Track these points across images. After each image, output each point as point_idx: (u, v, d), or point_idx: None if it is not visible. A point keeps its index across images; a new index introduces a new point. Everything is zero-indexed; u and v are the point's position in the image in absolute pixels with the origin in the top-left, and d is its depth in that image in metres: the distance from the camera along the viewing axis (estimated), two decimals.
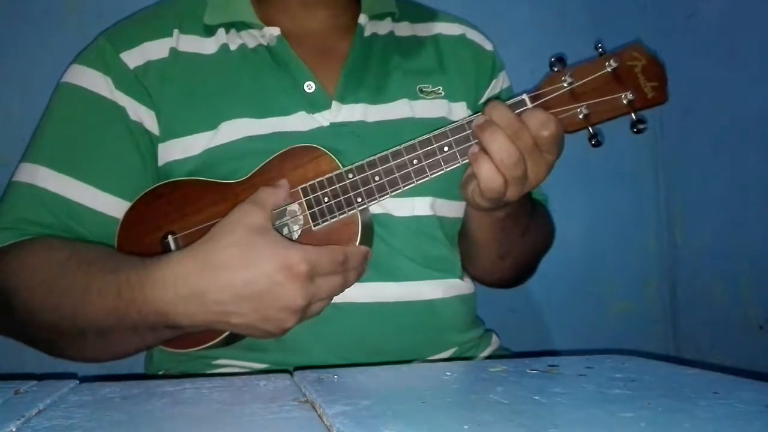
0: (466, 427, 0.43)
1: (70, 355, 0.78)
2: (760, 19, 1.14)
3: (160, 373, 0.87)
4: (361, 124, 0.84)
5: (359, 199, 0.75)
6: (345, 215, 0.75)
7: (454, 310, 0.86)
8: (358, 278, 0.75)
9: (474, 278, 0.96)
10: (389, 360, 0.80)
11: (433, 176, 0.74)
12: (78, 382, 0.61)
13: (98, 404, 0.53)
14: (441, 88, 0.90)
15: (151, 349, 0.85)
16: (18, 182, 0.81)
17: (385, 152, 0.75)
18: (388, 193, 0.75)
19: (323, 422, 0.46)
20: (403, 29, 0.94)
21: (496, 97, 0.90)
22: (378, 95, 0.86)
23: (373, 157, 0.75)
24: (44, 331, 0.75)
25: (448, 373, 0.62)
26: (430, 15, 0.98)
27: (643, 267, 1.38)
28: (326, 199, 0.75)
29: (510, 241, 0.88)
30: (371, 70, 0.87)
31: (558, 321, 1.34)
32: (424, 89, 0.89)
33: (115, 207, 0.80)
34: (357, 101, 0.84)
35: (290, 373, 0.64)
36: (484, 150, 0.70)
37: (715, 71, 1.23)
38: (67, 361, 0.79)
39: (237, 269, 0.66)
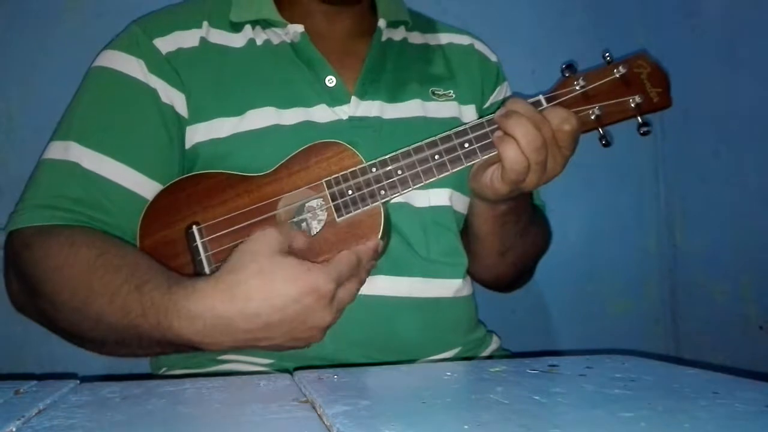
0: (466, 427, 0.43)
1: (88, 349, 0.79)
2: (760, 19, 1.14)
3: (163, 370, 0.87)
4: (378, 120, 0.87)
5: (382, 192, 0.77)
6: (368, 207, 0.76)
7: (460, 310, 0.88)
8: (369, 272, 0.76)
9: (475, 277, 0.97)
10: (396, 354, 0.81)
11: (453, 171, 0.77)
12: (78, 382, 0.61)
13: (98, 404, 0.53)
14: (452, 91, 0.94)
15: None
16: (49, 159, 0.82)
17: (407, 148, 0.77)
18: (410, 187, 0.77)
19: (323, 422, 0.46)
20: (416, 38, 0.98)
21: (502, 102, 0.93)
22: (393, 95, 0.89)
23: (395, 153, 0.77)
24: (66, 324, 0.76)
25: (448, 373, 0.62)
26: (439, 27, 1.02)
27: (643, 267, 1.38)
28: (350, 192, 0.77)
29: (510, 237, 0.91)
30: (388, 71, 0.91)
31: (558, 321, 1.34)
32: (436, 92, 0.93)
33: (144, 186, 0.82)
34: (374, 98, 0.88)
35: (290, 373, 0.64)
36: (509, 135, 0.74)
37: (715, 71, 1.23)
38: (67, 361, 0.79)
39: (264, 298, 0.67)
